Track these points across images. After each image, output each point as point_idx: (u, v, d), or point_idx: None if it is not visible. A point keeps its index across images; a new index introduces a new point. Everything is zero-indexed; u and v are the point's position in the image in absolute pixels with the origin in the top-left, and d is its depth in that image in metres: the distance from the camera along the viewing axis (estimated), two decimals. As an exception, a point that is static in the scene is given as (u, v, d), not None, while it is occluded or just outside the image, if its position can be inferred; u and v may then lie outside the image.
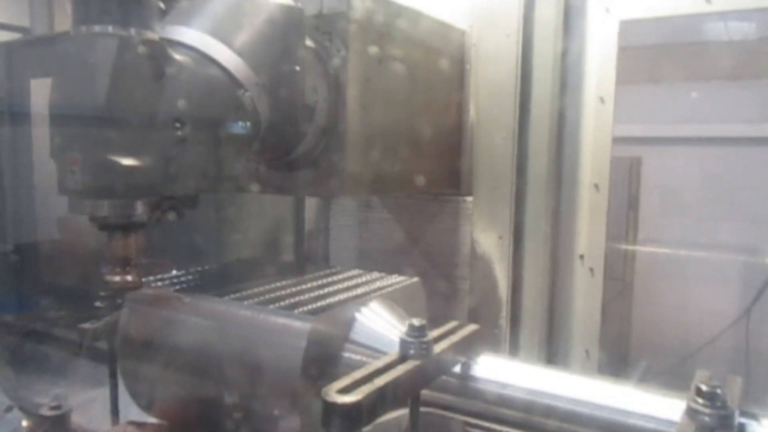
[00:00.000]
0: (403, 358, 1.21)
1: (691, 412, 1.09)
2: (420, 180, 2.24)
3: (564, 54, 2.37)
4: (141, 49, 1.36)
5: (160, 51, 1.41)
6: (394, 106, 2.07)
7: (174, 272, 1.83)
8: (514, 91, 2.33)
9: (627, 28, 2.29)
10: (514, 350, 2.43)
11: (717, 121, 4.25)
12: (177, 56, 1.46)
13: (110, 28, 1.32)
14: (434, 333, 1.32)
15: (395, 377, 1.13)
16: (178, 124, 1.42)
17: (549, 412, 1.30)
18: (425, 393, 1.28)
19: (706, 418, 1.06)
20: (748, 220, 4.22)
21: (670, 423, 1.17)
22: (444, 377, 1.38)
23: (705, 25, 4.16)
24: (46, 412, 1.65)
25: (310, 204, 2.89)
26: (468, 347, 1.40)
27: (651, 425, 1.21)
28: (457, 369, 1.40)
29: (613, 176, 2.37)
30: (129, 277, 1.49)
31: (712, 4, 2.14)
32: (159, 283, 1.74)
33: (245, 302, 1.54)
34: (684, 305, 4.34)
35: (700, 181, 4.39)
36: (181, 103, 1.44)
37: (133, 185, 1.39)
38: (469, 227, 2.50)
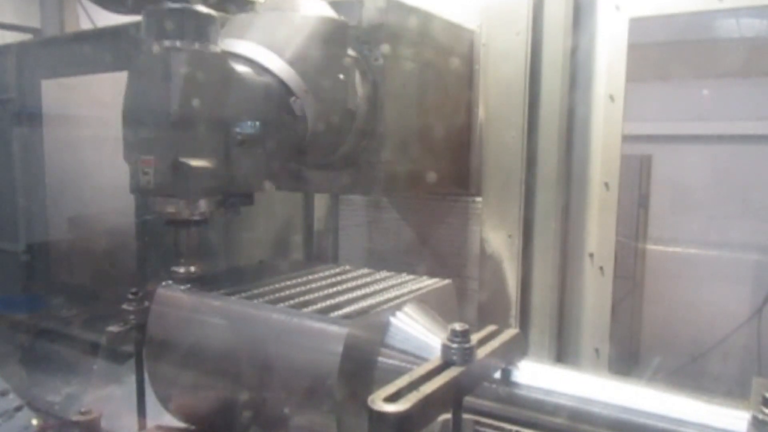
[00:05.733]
0: (446, 364, 1.17)
1: (757, 423, 1.03)
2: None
3: (573, 52, 2.36)
4: (206, 61, 1.51)
5: (222, 62, 1.56)
6: (424, 109, 2.20)
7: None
8: (524, 90, 2.32)
9: (637, 25, 2.28)
10: (523, 349, 2.42)
11: (728, 118, 4.21)
12: (236, 66, 1.59)
13: (178, 43, 1.47)
14: (475, 338, 1.27)
15: (441, 384, 1.09)
16: (238, 129, 1.56)
17: (592, 419, 1.27)
18: (465, 399, 1.24)
19: None
20: (760, 219, 4.18)
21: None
22: (484, 383, 1.35)
23: (715, 22, 4.13)
24: (76, 417, 1.60)
25: (320, 204, 2.89)
26: (509, 352, 1.36)
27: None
28: (497, 375, 1.37)
29: (623, 174, 2.35)
30: (192, 269, 1.65)
31: (722, 1, 2.12)
32: (187, 284, 1.66)
33: (279, 305, 1.50)
34: (695, 304, 4.31)
35: (711, 178, 4.36)
36: (241, 109, 1.57)
37: (201, 184, 1.51)
38: (478, 226, 2.49)
